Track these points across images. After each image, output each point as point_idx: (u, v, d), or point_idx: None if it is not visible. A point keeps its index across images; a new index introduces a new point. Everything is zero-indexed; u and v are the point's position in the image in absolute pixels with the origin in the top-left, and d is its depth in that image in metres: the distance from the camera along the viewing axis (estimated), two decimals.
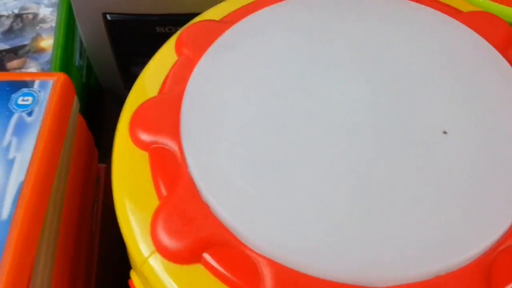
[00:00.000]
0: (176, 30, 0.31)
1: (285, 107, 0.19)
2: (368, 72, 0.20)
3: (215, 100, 0.20)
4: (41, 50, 0.34)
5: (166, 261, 0.17)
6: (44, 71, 0.32)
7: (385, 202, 0.17)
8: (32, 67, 0.33)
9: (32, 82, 0.23)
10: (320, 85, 0.20)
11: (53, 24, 0.34)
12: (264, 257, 0.16)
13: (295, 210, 0.17)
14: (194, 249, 0.17)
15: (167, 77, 0.21)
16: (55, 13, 0.35)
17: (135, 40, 0.31)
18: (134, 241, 0.18)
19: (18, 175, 0.21)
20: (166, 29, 0.30)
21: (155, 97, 0.20)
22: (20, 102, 0.23)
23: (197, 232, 0.17)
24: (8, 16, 0.35)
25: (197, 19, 0.23)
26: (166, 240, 0.17)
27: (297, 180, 0.17)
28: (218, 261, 0.16)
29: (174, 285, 0.16)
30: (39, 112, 0.23)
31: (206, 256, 0.17)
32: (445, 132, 0.18)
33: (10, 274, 0.19)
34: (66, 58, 0.33)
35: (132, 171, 0.19)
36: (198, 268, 0.17)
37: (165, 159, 0.19)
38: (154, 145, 0.19)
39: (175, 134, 0.19)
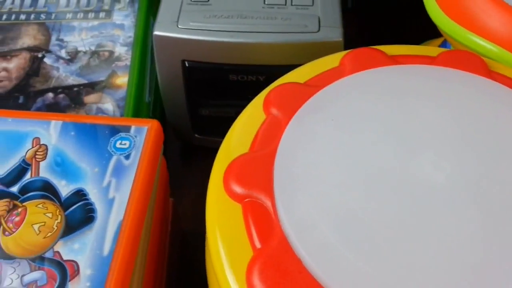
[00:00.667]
0: (248, 79, 0.33)
1: (374, 170, 0.21)
2: (450, 143, 0.22)
3: (306, 159, 0.21)
4: (116, 87, 0.36)
5: None
6: (119, 107, 0.34)
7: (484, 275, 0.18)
8: (108, 102, 0.35)
9: (129, 127, 0.26)
10: (406, 152, 0.21)
11: (128, 63, 0.37)
12: None
13: (387, 274, 0.18)
14: None
15: (257, 135, 0.23)
16: (129, 52, 0.37)
17: (208, 85, 0.34)
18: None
19: (117, 214, 0.23)
20: (239, 77, 0.33)
21: (248, 153, 0.22)
22: (118, 145, 0.25)
23: (291, 285, 0.19)
24: (85, 52, 0.37)
25: (281, 80, 0.25)
26: None
27: (391, 244, 0.19)
28: None
29: None
30: (136, 156, 0.25)
31: None
32: None
33: None
34: (139, 96, 0.36)
35: (225, 222, 0.21)
36: None
37: (258, 212, 0.21)
38: (248, 199, 0.21)
39: (268, 190, 0.21)
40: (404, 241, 0.19)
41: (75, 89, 0.36)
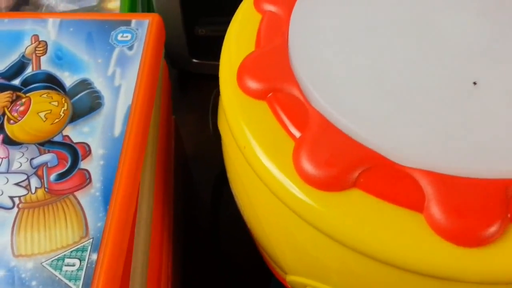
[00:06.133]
0: None
1: (390, 40, 0.20)
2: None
3: (322, 41, 0.21)
4: (108, 11, 0.35)
5: (319, 192, 0.17)
6: None
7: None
8: None
9: (129, 21, 0.25)
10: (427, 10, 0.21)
11: None
12: (418, 170, 0.17)
13: (431, 122, 0.18)
14: (347, 174, 0.17)
15: (259, 33, 0.22)
16: None
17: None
18: (278, 183, 0.18)
19: (125, 99, 0.22)
20: None
21: (257, 51, 0.21)
22: (119, 38, 0.24)
23: (347, 159, 0.18)
24: None
25: None
26: (315, 171, 0.18)
27: (420, 101, 0.19)
28: (376, 181, 0.17)
29: (327, 211, 0.17)
30: (139, 46, 0.24)
31: (361, 179, 0.17)
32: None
33: (129, 177, 0.20)
34: None
35: (253, 121, 0.20)
36: (354, 192, 0.17)
37: (287, 103, 0.20)
38: (270, 93, 0.20)
39: (291, 80, 0.20)
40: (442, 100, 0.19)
41: None
